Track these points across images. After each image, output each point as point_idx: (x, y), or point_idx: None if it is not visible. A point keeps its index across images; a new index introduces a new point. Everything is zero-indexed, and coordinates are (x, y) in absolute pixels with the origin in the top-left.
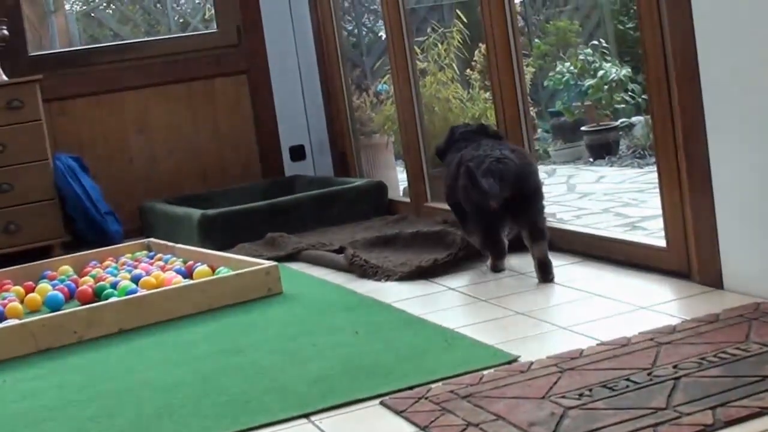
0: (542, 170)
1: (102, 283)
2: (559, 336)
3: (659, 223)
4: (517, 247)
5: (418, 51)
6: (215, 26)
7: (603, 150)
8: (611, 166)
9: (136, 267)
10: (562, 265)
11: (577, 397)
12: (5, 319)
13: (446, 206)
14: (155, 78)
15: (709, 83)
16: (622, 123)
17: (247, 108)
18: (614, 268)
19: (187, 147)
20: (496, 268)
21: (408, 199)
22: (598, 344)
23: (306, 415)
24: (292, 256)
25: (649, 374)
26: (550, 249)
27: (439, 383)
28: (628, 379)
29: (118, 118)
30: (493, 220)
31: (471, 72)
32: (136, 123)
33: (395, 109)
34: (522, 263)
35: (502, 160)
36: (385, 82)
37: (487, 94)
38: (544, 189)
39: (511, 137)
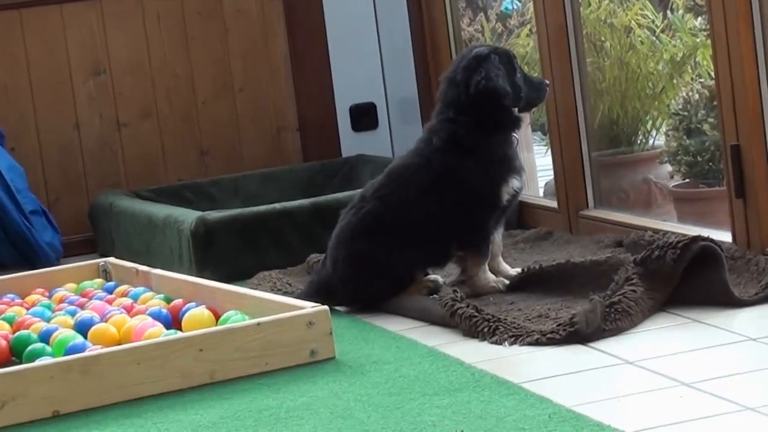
0: None
1: (24, 331)
2: None
3: None
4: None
5: None
6: None
7: None
8: None
9: (83, 306)
10: None
11: None
12: None
13: (622, 217)
14: None
15: None
16: None
17: (281, 41)
18: None
19: (175, 103)
20: None
21: (555, 203)
22: None
23: None
24: None
25: None
26: None
27: None
28: None
29: (54, 52)
30: None
31: None
32: (87, 61)
33: (534, 45)
34: (760, 322)
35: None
36: None
37: (699, 21)
38: None
39: (740, 110)
